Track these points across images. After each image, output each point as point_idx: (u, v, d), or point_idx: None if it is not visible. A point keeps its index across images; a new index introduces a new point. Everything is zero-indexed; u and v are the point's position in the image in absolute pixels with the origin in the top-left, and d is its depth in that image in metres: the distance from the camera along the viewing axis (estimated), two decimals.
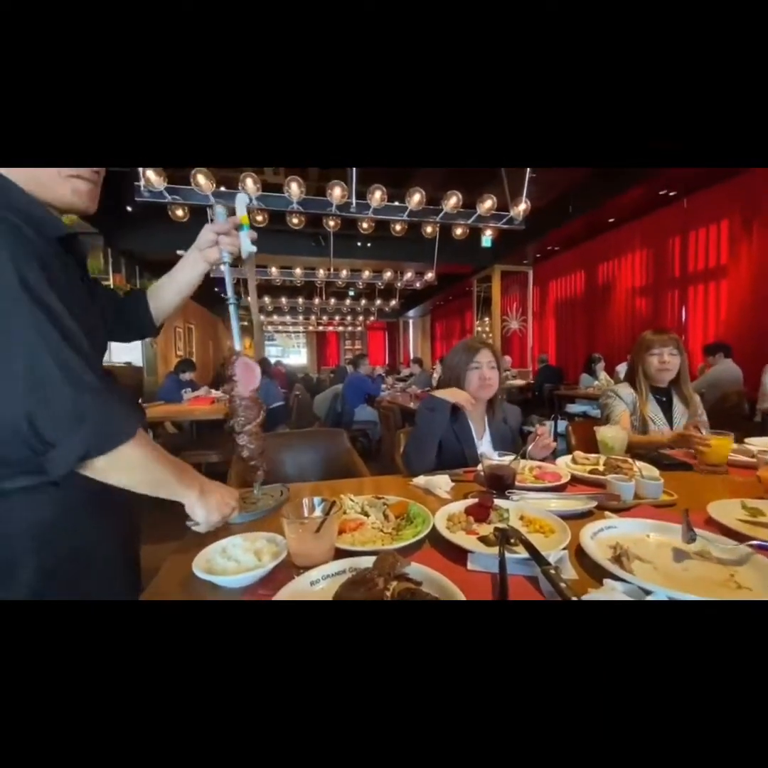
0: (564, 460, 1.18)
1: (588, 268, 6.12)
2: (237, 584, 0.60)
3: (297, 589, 0.57)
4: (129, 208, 4.98)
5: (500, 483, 0.93)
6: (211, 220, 0.80)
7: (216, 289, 8.74)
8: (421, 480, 1.04)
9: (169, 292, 0.84)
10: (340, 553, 0.66)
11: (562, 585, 0.54)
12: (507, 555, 0.63)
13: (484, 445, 1.34)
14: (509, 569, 0.60)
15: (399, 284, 7.04)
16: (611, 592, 0.55)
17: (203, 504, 0.65)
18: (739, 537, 0.67)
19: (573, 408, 5.05)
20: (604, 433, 1.31)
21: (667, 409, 1.53)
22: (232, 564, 0.63)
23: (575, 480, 1.05)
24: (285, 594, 0.55)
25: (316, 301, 8.40)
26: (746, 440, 1.35)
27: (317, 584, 0.59)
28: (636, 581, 0.55)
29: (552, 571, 0.57)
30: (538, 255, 6.85)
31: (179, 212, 3.52)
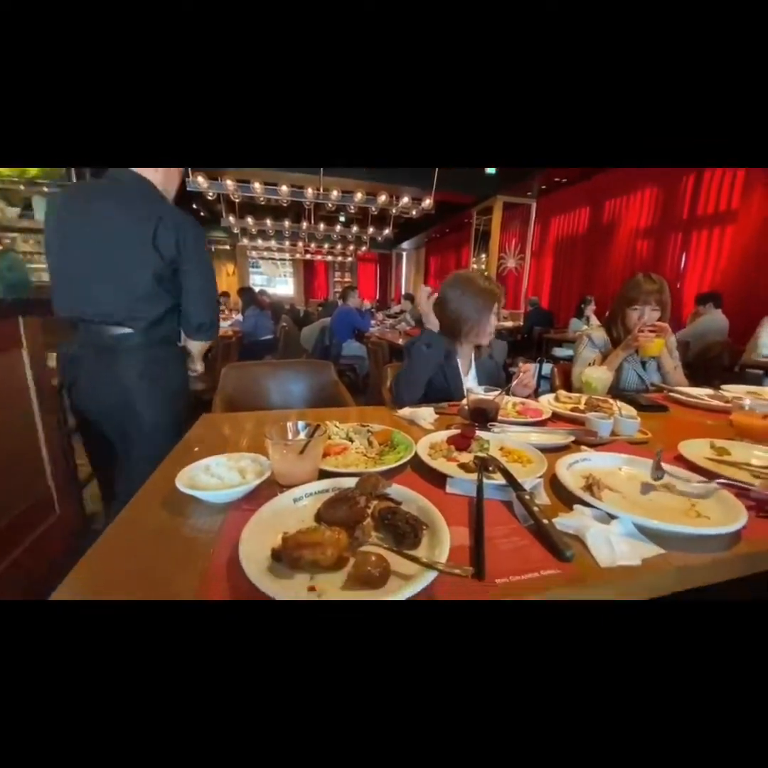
0: (547, 398, 1.20)
1: (594, 205, 5.80)
2: (221, 499, 0.61)
3: (280, 506, 0.58)
4: None
5: (483, 416, 0.94)
6: None
7: (194, 206, 8.06)
8: (405, 411, 1.05)
9: None
10: (324, 475, 0.67)
11: (535, 509, 0.57)
12: (484, 480, 0.65)
13: (469, 380, 1.34)
14: (486, 494, 0.62)
15: (394, 211, 6.57)
16: (580, 516, 0.58)
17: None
18: (705, 473, 0.71)
19: (560, 352, 5.09)
20: (589, 374, 1.32)
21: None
22: (215, 480, 0.63)
23: (556, 417, 1.08)
24: (268, 509, 0.56)
25: (304, 225, 7.86)
26: (722, 387, 1.39)
27: (300, 501, 0.61)
28: (604, 507, 0.58)
29: (526, 497, 0.59)
30: (543, 187, 6.42)
31: None
